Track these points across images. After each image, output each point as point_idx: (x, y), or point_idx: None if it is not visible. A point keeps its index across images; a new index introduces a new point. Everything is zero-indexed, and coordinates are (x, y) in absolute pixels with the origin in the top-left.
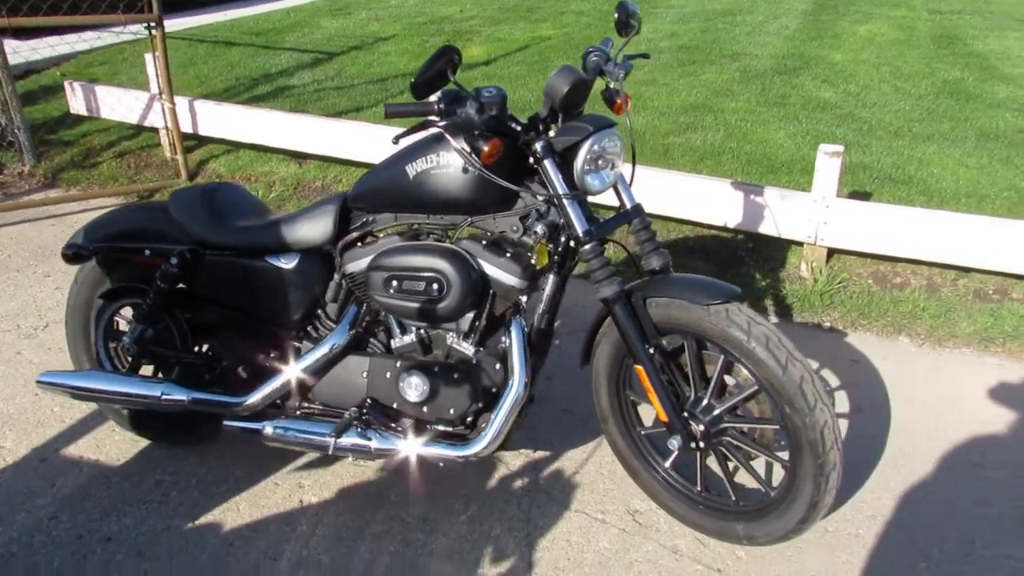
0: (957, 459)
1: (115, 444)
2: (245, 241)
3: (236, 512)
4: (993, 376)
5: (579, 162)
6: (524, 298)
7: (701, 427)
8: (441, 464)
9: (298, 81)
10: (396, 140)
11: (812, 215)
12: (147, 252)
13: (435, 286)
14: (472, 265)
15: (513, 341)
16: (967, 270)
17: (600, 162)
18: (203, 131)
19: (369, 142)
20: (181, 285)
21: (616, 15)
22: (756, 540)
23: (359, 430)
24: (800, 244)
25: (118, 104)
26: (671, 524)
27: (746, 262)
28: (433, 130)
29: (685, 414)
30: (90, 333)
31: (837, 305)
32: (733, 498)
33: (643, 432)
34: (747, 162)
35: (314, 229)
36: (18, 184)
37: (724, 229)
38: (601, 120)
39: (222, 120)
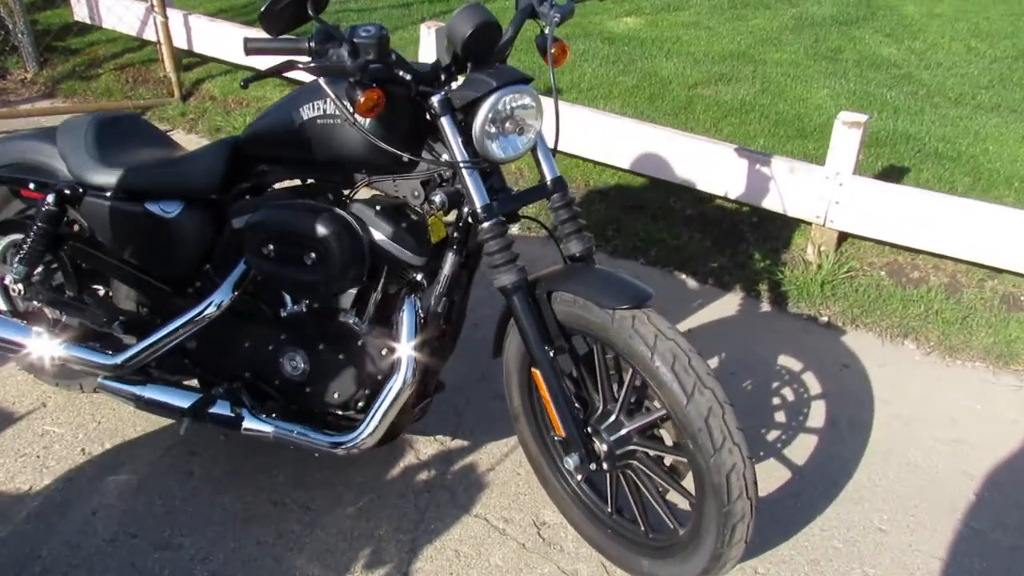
0: (937, 499)
1: (15, 386)
2: (124, 183)
3: (114, 476)
4: (1005, 400)
5: (478, 124)
6: (420, 276)
7: (604, 447)
8: (316, 455)
9: None
10: (245, 84)
11: (823, 192)
12: (31, 186)
13: (312, 255)
14: (358, 234)
15: (403, 325)
16: (998, 271)
17: (508, 125)
18: (197, 48)
19: None
20: (78, 226)
21: None
22: None
23: (232, 404)
24: (809, 224)
25: (109, 14)
26: (578, 544)
27: (747, 238)
28: (300, 75)
29: (588, 429)
30: None
31: (840, 297)
32: (643, 528)
33: (556, 438)
34: (775, 123)
35: (199, 175)
36: (19, 91)
37: (727, 200)
38: (511, 74)
39: (216, 37)
